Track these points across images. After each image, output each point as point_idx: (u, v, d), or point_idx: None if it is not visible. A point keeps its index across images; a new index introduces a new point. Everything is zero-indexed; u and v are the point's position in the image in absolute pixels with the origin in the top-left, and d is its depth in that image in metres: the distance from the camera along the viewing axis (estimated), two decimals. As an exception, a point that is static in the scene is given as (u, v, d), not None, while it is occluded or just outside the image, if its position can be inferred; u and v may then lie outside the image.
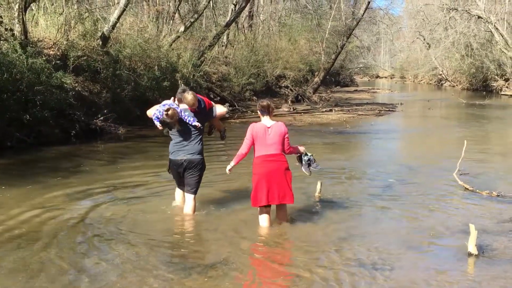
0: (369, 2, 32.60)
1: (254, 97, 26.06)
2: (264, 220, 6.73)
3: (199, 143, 7.12)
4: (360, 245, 6.25)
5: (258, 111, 6.80)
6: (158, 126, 7.06)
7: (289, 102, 26.20)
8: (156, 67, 18.35)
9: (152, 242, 6.23)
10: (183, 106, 6.99)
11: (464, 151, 10.19)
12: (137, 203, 7.94)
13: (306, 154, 7.13)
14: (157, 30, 21.40)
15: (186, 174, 7.09)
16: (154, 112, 7.00)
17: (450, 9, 40.08)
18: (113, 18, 17.07)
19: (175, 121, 6.86)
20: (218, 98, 21.96)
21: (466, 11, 38.69)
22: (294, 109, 23.66)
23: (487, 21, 36.98)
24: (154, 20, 21.83)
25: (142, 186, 9.07)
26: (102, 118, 14.96)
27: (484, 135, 17.25)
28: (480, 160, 11.95)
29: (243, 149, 6.66)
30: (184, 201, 7.30)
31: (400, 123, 22.13)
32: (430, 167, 11.00)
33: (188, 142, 7.07)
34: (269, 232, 6.67)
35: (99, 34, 16.95)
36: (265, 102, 6.77)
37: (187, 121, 6.99)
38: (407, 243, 6.36)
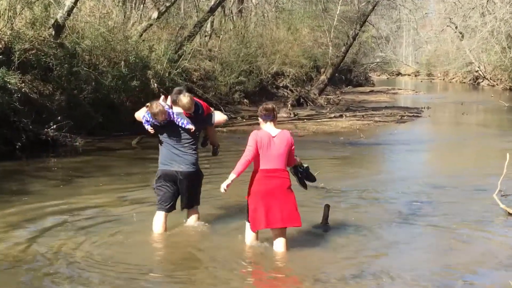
0: (387, -18, 32.86)
1: (245, 100, 26.11)
2: (252, 239, 7.04)
3: (194, 153, 7.52)
4: (380, 284, 6.23)
5: (259, 117, 6.93)
6: (149, 130, 7.50)
7: (289, 105, 26.25)
8: (122, 62, 18.35)
9: (117, 282, 6.18)
10: (177, 109, 7.37)
11: (506, 167, 10.21)
12: (97, 231, 7.89)
13: (302, 166, 7.40)
14: (124, 16, 21.42)
15: (183, 188, 7.52)
16: (143, 114, 7.42)
17: (488, -10, 40.46)
18: (68, 2, 17.07)
19: (162, 120, 7.25)
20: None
21: (507, -8, 39.04)
22: (295, 115, 23.71)
23: (533, 5, 37.31)
24: (120, 4, 21.85)
25: (103, 210, 9.04)
26: (55, 126, 14.92)
27: (532, 146, 17.32)
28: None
29: (246, 156, 6.70)
30: (165, 227, 7.64)
31: (427, 132, 22.21)
32: (465, 186, 11.03)
33: (182, 152, 7.46)
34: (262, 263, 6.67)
35: (52, 22, 16.95)
36: (270, 105, 6.93)
37: (180, 124, 7.32)
38: (439, 282, 6.34)
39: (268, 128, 6.84)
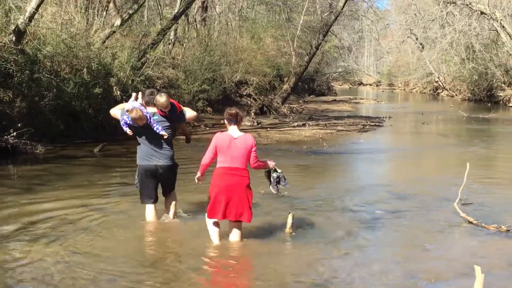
0: (350, -7, 33.19)
1: (209, 108, 26.07)
2: (215, 233, 7.64)
3: (170, 149, 8.35)
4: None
5: (225, 120, 7.63)
6: (127, 132, 8.19)
7: (252, 114, 26.31)
8: (85, 69, 18.17)
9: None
10: (151, 109, 8.13)
11: (466, 176, 10.36)
12: (58, 239, 7.78)
13: (275, 171, 7.96)
14: (87, 23, 21.21)
15: (165, 181, 8.44)
16: (122, 117, 8.09)
17: (448, 3, 41.03)
18: (30, 7, 16.83)
19: (142, 121, 7.94)
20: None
21: (466, 5, 39.65)
22: (258, 123, 23.75)
23: (491, 17, 38.02)
24: (83, 11, 21.63)
25: (64, 218, 8.92)
26: (15, 133, 14.70)
27: (490, 156, 17.65)
28: (486, 187, 12.19)
29: (205, 159, 7.57)
30: (157, 218, 8.59)
31: (389, 141, 22.43)
32: (426, 195, 11.15)
33: (159, 147, 8.25)
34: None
35: (12, 27, 16.69)
36: (233, 110, 7.59)
37: (155, 129, 8.07)
38: (399, 290, 6.40)
39: (232, 130, 7.53)
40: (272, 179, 7.96)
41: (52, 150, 15.42)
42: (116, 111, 8.36)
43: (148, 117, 8.03)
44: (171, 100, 8.28)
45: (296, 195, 10.73)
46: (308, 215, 9.47)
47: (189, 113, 8.73)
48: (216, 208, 7.40)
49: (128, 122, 8.04)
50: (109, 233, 8.26)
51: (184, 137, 9.34)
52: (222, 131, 7.64)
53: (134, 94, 8.32)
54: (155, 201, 8.54)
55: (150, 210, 8.56)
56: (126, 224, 8.77)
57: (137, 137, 8.26)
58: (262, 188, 10.71)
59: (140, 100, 8.23)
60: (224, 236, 7.72)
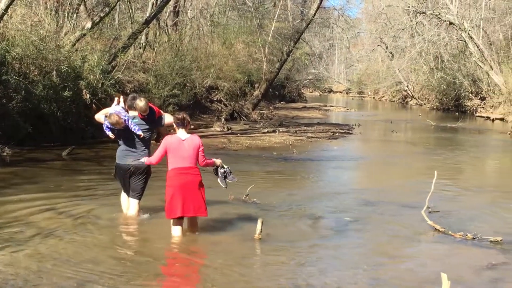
0: (321, 1, 33.37)
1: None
2: (177, 231, 8.17)
3: (146, 150, 8.91)
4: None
5: (173, 124, 8.27)
6: (110, 136, 8.80)
7: (223, 120, 26.26)
8: (54, 72, 17.98)
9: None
10: (133, 113, 8.79)
11: (434, 184, 10.47)
12: (24, 244, 7.67)
13: (222, 167, 8.64)
14: (57, 25, 21.00)
15: (132, 180, 8.92)
16: (104, 122, 8.69)
17: (417, 13, 41.51)
18: (-1, 8, 16.63)
19: (120, 126, 8.54)
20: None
21: (435, 15, 40.20)
22: (228, 129, 23.73)
23: (460, 28, 38.57)
24: (53, 13, 21.43)
25: (31, 222, 8.81)
26: (-19, 136, 14.46)
27: (457, 165, 17.85)
28: (453, 195, 12.34)
29: (153, 159, 8.34)
30: (128, 207, 9.09)
31: (358, 149, 22.58)
32: (394, 203, 11.24)
33: (135, 148, 8.86)
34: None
35: (-19, 28, 16.47)
36: (180, 114, 8.28)
37: (132, 129, 8.65)
38: (366, 297, 6.43)
39: (180, 133, 8.18)
40: (220, 174, 8.63)
41: (19, 153, 15.23)
42: (100, 116, 8.90)
43: (126, 120, 8.64)
44: (150, 105, 8.98)
45: (265, 201, 10.74)
46: (278, 221, 9.49)
47: (168, 118, 9.21)
48: (174, 207, 7.98)
49: (110, 126, 8.66)
50: (75, 237, 8.17)
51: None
52: (172, 134, 8.40)
53: (116, 99, 8.93)
54: (128, 194, 9.13)
55: (125, 197, 9.23)
56: (93, 228, 8.73)
57: (118, 139, 8.91)
58: (231, 194, 10.76)
59: (122, 104, 8.86)
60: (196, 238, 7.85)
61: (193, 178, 8.05)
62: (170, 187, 8.04)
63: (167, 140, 8.14)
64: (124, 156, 8.86)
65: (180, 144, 8.07)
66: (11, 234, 8.22)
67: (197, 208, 8.06)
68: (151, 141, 9.24)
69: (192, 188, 8.01)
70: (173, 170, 8.05)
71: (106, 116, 8.67)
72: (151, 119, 8.97)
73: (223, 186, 8.76)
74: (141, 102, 8.69)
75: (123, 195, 9.25)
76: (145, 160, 8.52)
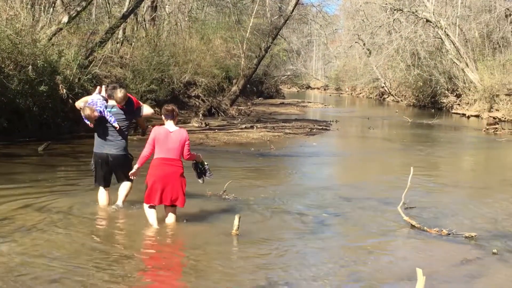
0: (299, -3, 33.41)
1: (157, 109, 25.83)
2: (152, 214, 8.45)
3: (123, 140, 9.11)
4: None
5: (162, 115, 8.45)
6: (89, 124, 8.91)
7: (201, 115, 26.19)
8: (30, 67, 17.80)
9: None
10: (112, 102, 8.96)
11: (410, 180, 10.55)
12: (4, 242, 7.58)
13: (202, 163, 8.94)
14: (33, 19, 20.81)
15: (116, 170, 9.15)
16: (83, 114, 8.82)
17: (395, 10, 41.80)
18: (-26, 1, 16.44)
19: (93, 119, 8.75)
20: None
21: (412, 12, 40.51)
22: (206, 125, 23.69)
23: (436, 25, 38.90)
24: (28, 7, 21.22)
25: (6, 218, 8.72)
26: (-45, 130, 14.29)
27: (433, 161, 18.02)
28: (429, 191, 12.47)
29: (145, 151, 8.40)
30: (108, 201, 9.29)
31: (335, 145, 22.69)
32: (370, 199, 11.33)
33: (112, 137, 9.03)
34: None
35: (-45, 21, 16.26)
36: (170, 106, 8.47)
37: (108, 120, 8.86)
38: (343, 292, 6.48)
39: (168, 125, 8.41)
40: (198, 170, 8.94)
41: (-6, 148, 15.06)
42: (80, 103, 9.05)
43: (103, 110, 8.84)
44: (130, 96, 9.20)
45: (243, 197, 10.76)
46: (255, 217, 9.51)
47: (146, 110, 9.54)
48: (153, 195, 8.26)
49: (84, 116, 8.84)
50: (54, 231, 8.13)
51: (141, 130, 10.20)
52: (160, 125, 8.53)
53: (98, 88, 9.16)
54: (106, 185, 9.29)
55: (101, 192, 9.34)
56: (71, 222, 8.70)
57: (95, 128, 9.06)
58: (209, 190, 10.76)
59: (103, 93, 9.08)
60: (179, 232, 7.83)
61: (175, 169, 8.30)
62: (151, 176, 8.30)
63: (155, 131, 8.36)
64: (102, 145, 9.04)
65: (168, 135, 8.31)
66: (-14, 230, 8.13)
67: (174, 198, 8.33)
68: (139, 136, 9.67)
69: (172, 178, 8.26)
70: (157, 160, 8.31)
71: (80, 109, 8.89)
72: (130, 109, 9.18)
73: (200, 181, 9.04)
74: (118, 93, 8.90)
75: (101, 189, 9.34)
76: (135, 167, 8.59)
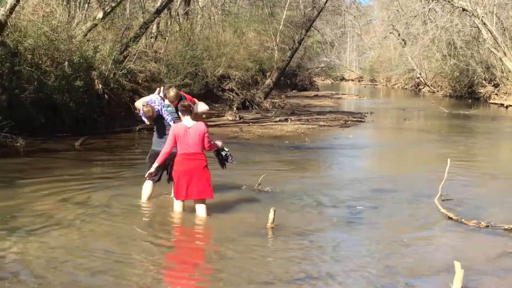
0: (333, -12, 33.21)
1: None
2: (178, 206, 8.79)
3: None
4: (320, 286, 6.29)
5: (179, 112, 8.71)
6: (146, 122, 9.36)
7: (235, 109, 26.27)
8: (66, 62, 18.04)
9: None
10: (167, 102, 9.25)
11: (447, 172, 10.45)
12: (39, 234, 7.73)
13: (223, 150, 9.16)
14: (68, 16, 21.08)
15: (170, 165, 8.99)
16: (141, 110, 9.24)
17: (430, -1, 41.27)
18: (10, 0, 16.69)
19: (152, 116, 9.12)
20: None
21: (448, 2, 39.84)
22: (240, 118, 23.74)
23: (473, 14, 38.25)
24: (64, 3, 21.49)
25: (45, 213, 8.86)
26: (-5, 126, 14.55)
27: (470, 152, 17.80)
28: (466, 183, 12.30)
29: (165, 148, 8.64)
30: (151, 195, 9.50)
31: (370, 137, 22.54)
32: (407, 191, 11.23)
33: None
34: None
35: (-7, 19, 16.53)
36: (186, 102, 8.75)
37: (165, 118, 9.21)
38: (379, 285, 6.44)
39: (185, 120, 8.62)
40: (220, 157, 9.16)
41: (32, 144, 15.29)
42: (139, 104, 9.52)
43: (160, 109, 9.22)
44: (184, 94, 9.51)
45: (278, 190, 10.76)
46: (290, 210, 9.50)
47: (201, 106, 9.64)
48: (180, 190, 8.53)
49: (143, 114, 9.23)
50: (91, 226, 8.25)
51: None
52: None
53: (157, 89, 9.59)
54: (156, 180, 9.40)
55: (147, 186, 9.50)
56: (107, 216, 8.83)
57: (153, 126, 9.54)
58: (244, 183, 10.80)
59: (161, 93, 9.43)
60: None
61: (198, 163, 8.51)
62: (176, 172, 8.55)
63: (174, 129, 8.59)
64: (159, 143, 9.25)
65: (187, 131, 8.52)
66: (24, 223, 8.28)
67: (201, 191, 8.53)
68: None
69: (196, 172, 8.47)
70: (180, 155, 8.52)
71: (143, 105, 9.20)
72: None
73: (222, 167, 9.29)
74: (171, 92, 9.18)
75: (148, 182, 9.43)
76: (154, 166, 8.77)
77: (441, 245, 8.08)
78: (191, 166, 8.47)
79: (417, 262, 7.25)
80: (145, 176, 8.99)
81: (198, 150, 8.54)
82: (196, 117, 9.49)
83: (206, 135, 8.64)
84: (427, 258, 7.43)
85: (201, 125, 8.69)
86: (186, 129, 8.53)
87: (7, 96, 15.92)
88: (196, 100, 9.68)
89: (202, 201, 8.68)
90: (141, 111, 9.27)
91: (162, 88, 9.64)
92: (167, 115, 9.24)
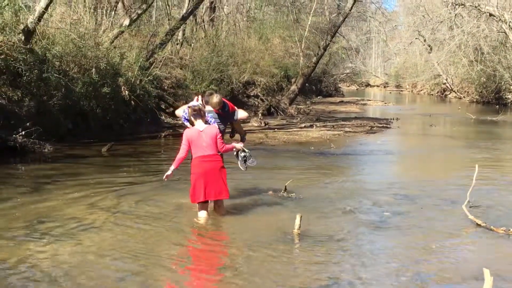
0: (358, -6, 33.13)
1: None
2: (203, 213, 8.87)
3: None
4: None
5: (191, 117, 8.91)
6: (188, 126, 9.30)
7: (260, 115, 26.32)
8: (93, 69, 18.23)
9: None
10: (208, 108, 9.34)
11: (475, 179, 10.35)
12: (67, 239, 7.81)
13: (243, 151, 9.36)
14: (95, 23, 21.29)
15: None
16: (182, 114, 9.50)
17: (456, 5, 40.94)
18: (39, 7, 16.90)
19: (202, 116, 8.94)
20: (171, 109, 21.90)
21: (475, 7, 39.59)
22: (265, 124, 23.77)
23: (500, 19, 37.94)
24: (91, 10, 21.71)
25: (73, 218, 8.95)
26: (23, 132, 14.73)
27: (498, 158, 17.58)
28: (495, 189, 12.14)
29: (181, 153, 8.78)
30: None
31: (397, 143, 22.40)
32: (434, 197, 11.13)
33: None
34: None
35: (22, 27, 16.76)
36: (196, 107, 8.88)
37: (208, 121, 9.25)
38: (408, 292, 6.40)
39: (198, 124, 8.85)
40: (240, 158, 9.41)
41: (60, 150, 15.45)
42: (179, 111, 9.77)
43: (205, 114, 9.24)
44: (226, 101, 9.68)
45: (304, 196, 10.75)
46: (316, 216, 9.47)
47: (241, 113, 10.03)
48: (197, 193, 8.68)
49: (186, 116, 9.31)
50: (117, 231, 8.32)
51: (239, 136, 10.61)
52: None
53: (196, 97, 9.47)
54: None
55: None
56: (135, 220, 8.92)
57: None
58: (270, 189, 10.81)
59: (200, 101, 9.33)
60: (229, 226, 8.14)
61: (214, 164, 8.75)
62: (193, 174, 8.76)
63: (187, 133, 8.81)
64: None
65: (199, 135, 8.76)
66: (53, 228, 8.37)
67: (218, 192, 8.76)
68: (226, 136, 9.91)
69: (213, 174, 8.70)
70: (196, 159, 8.76)
71: (189, 107, 9.15)
72: (225, 113, 9.65)
73: (242, 169, 9.51)
74: (215, 98, 9.36)
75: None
76: (171, 169, 8.76)
77: (470, 252, 8.00)
78: (207, 168, 8.69)
79: (445, 269, 7.18)
80: (163, 178, 8.94)
81: (213, 151, 8.77)
82: (237, 123, 10.07)
83: (218, 136, 8.85)
84: (456, 265, 7.36)
85: (213, 128, 8.93)
86: (198, 133, 8.77)
87: (35, 103, 16.14)
88: (236, 107, 9.97)
89: (220, 201, 9.00)
90: (184, 114, 9.41)
91: (199, 96, 9.66)
92: (211, 118, 9.36)
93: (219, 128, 9.25)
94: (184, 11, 24.82)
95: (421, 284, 6.66)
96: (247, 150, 9.42)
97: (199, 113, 8.84)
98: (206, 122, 9.09)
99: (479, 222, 9.08)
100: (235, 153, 9.44)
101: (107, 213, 9.27)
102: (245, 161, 9.41)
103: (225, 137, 9.89)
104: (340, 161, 16.56)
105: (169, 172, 8.79)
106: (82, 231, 8.29)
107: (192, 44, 28.42)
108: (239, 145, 9.38)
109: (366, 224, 9.18)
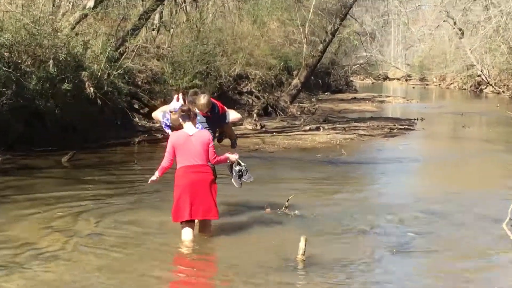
0: (373, -32, 33.22)
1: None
2: (187, 234, 8.72)
3: None
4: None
5: (180, 118, 8.77)
6: (169, 133, 9.29)
7: (255, 115, 26.30)
8: (51, 61, 18.17)
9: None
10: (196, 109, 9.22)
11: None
12: (17, 268, 7.76)
13: (238, 164, 9.22)
14: (53, 5, 21.26)
15: None
16: (162, 119, 9.52)
17: (493, -20, 41.17)
18: (-17, -14, 16.88)
19: (192, 117, 8.86)
20: (147, 109, 21.87)
21: (515, -18, 39.79)
22: (262, 127, 23.75)
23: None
24: (48, -10, 21.71)
25: (25, 243, 8.90)
26: (-35, 139, 14.69)
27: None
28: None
29: (164, 162, 8.73)
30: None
31: (422, 148, 22.44)
32: (468, 213, 11.16)
33: None
34: None
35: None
36: (186, 106, 8.89)
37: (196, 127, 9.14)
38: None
39: (187, 127, 8.70)
40: (234, 172, 9.25)
41: (10, 160, 15.41)
42: (158, 114, 9.81)
43: (196, 116, 9.14)
44: (214, 101, 9.58)
45: (310, 214, 10.74)
46: (325, 238, 9.49)
47: (233, 115, 10.03)
48: (181, 209, 8.60)
49: (168, 124, 9.35)
50: (80, 257, 8.27)
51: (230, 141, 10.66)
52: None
53: (175, 96, 9.63)
54: None
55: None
56: (100, 246, 8.87)
57: None
58: (267, 206, 10.78)
59: (181, 101, 9.47)
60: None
61: (203, 176, 8.67)
62: (177, 187, 8.68)
63: (173, 138, 8.74)
64: None
65: (188, 140, 8.64)
66: (5, 257, 8.29)
67: (206, 210, 8.70)
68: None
69: (201, 187, 8.63)
70: (181, 169, 8.66)
71: (170, 112, 9.20)
72: (215, 117, 9.57)
73: (236, 185, 9.38)
74: (203, 99, 9.25)
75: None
76: (156, 175, 8.79)
77: (511, 278, 7.99)
78: (195, 180, 8.60)
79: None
80: (148, 182, 8.94)
81: (203, 161, 8.68)
82: (228, 126, 10.01)
83: (211, 145, 8.76)
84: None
85: (205, 132, 8.87)
86: (187, 138, 8.66)
87: (-21, 103, 16.07)
88: (226, 108, 9.88)
89: (208, 222, 9.02)
90: (165, 120, 9.43)
91: (180, 94, 9.67)
92: (198, 123, 9.20)
93: None
94: (162, -10, 24.83)
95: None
96: (243, 164, 9.26)
97: (188, 115, 8.72)
98: None
99: (524, 244, 9.11)
100: (228, 166, 9.34)
101: (68, 237, 9.21)
102: (240, 176, 9.25)
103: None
104: (353, 171, 16.58)
105: (154, 178, 8.78)
106: (38, 259, 8.22)
107: (171, 30, 28.38)
108: (234, 157, 9.19)
109: (385, 247, 9.17)
